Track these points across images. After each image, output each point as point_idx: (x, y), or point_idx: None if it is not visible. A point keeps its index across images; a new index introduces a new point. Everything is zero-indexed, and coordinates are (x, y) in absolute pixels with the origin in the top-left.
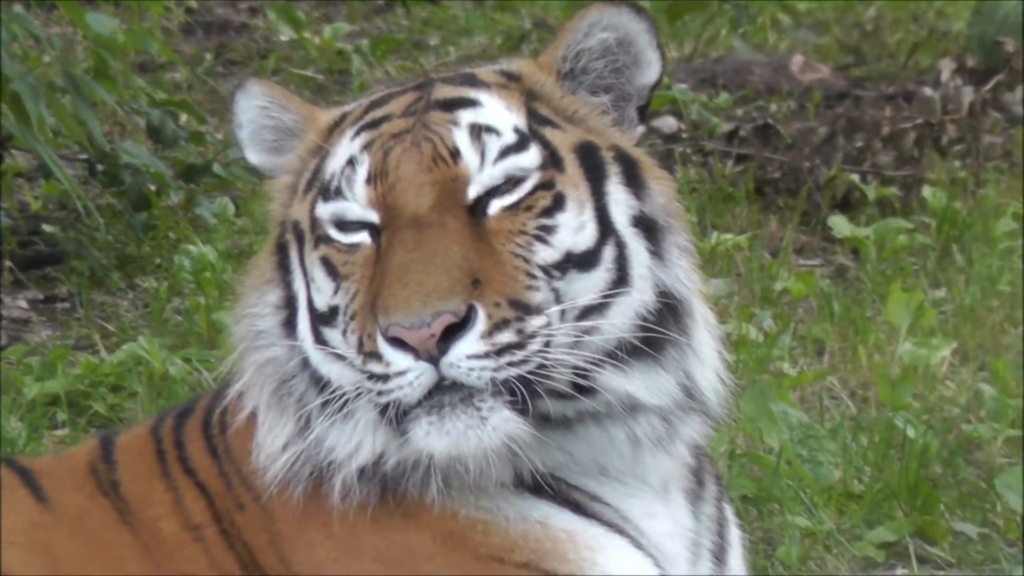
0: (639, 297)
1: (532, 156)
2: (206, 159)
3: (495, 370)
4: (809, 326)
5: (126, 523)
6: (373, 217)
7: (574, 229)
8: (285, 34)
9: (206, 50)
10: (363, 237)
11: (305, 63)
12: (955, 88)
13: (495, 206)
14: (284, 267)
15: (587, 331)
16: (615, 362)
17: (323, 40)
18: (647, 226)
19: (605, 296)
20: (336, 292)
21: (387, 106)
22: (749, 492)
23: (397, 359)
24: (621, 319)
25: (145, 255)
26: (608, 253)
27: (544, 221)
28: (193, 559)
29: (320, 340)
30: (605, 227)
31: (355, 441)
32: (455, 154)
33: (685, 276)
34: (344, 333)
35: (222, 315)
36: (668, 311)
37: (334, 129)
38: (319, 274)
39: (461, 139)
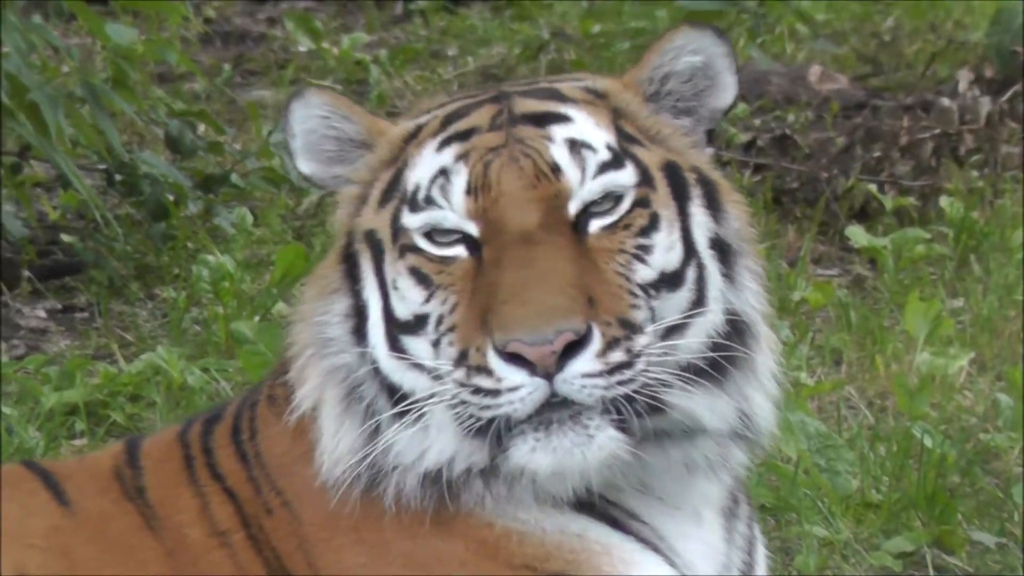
0: (712, 319)
1: (628, 174)
2: (224, 169)
3: (605, 388)
4: (827, 336)
5: (151, 528)
6: (471, 228)
7: (666, 248)
8: (303, 44)
9: (224, 60)
10: (459, 250)
11: (323, 73)
12: (973, 98)
13: (595, 225)
14: (353, 276)
15: (669, 350)
16: (683, 383)
17: (341, 50)
18: (722, 248)
19: (686, 316)
20: (428, 301)
21: (468, 118)
22: (767, 501)
23: (510, 375)
24: (697, 340)
25: (163, 265)
26: (691, 274)
27: (642, 240)
28: (219, 565)
29: (397, 349)
30: (688, 248)
31: (425, 447)
32: (555, 170)
33: (754, 299)
34: (436, 344)
35: (240, 325)
36: (735, 333)
37: (410, 140)
38: (406, 283)
39: (560, 155)
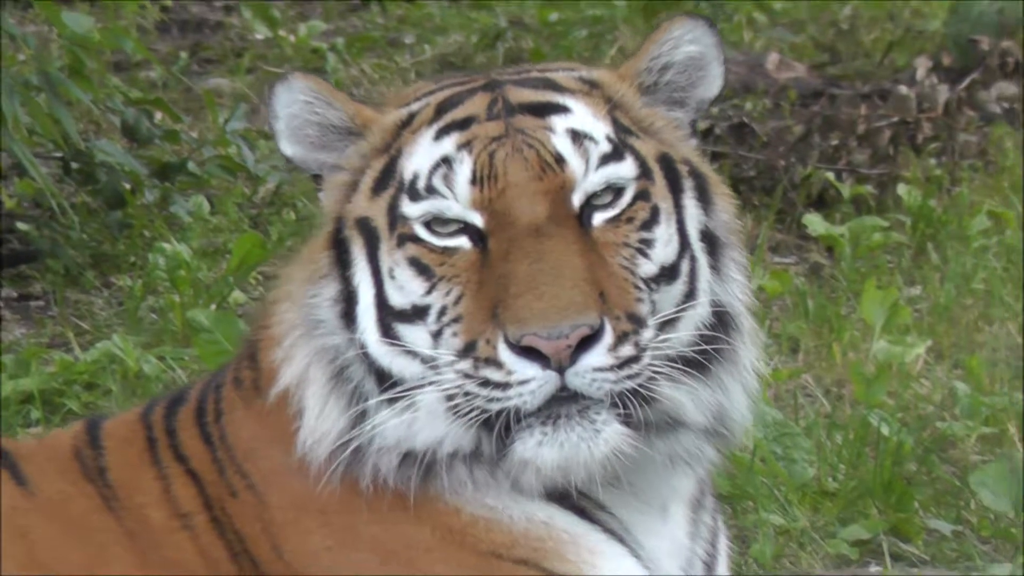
0: (701, 311)
1: (629, 166)
2: (181, 157)
3: (614, 382)
4: (784, 324)
5: (111, 510)
6: (475, 219)
7: (665, 242)
8: (260, 32)
9: (181, 48)
10: (461, 241)
11: (280, 61)
12: (930, 86)
13: (599, 218)
14: (343, 262)
15: (668, 343)
16: (673, 375)
17: (298, 38)
18: (710, 240)
19: (680, 309)
20: (429, 292)
21: (463, 107)
22: (723, 490)
23: (522, 368)
24: (687, 332)
25: (120, 253)
26: (685, 266)
27: (644, 234)
28: (180, 547)
29: (389, 335)
30: (683, 241)
31: (413, 431)
32: (560, 161)
33: (739, 291)
34: (437, 334)
35: (197, 313)
36: (720, 325)
37: (403, 128)
38: (405, 273)
39: (563, 145)
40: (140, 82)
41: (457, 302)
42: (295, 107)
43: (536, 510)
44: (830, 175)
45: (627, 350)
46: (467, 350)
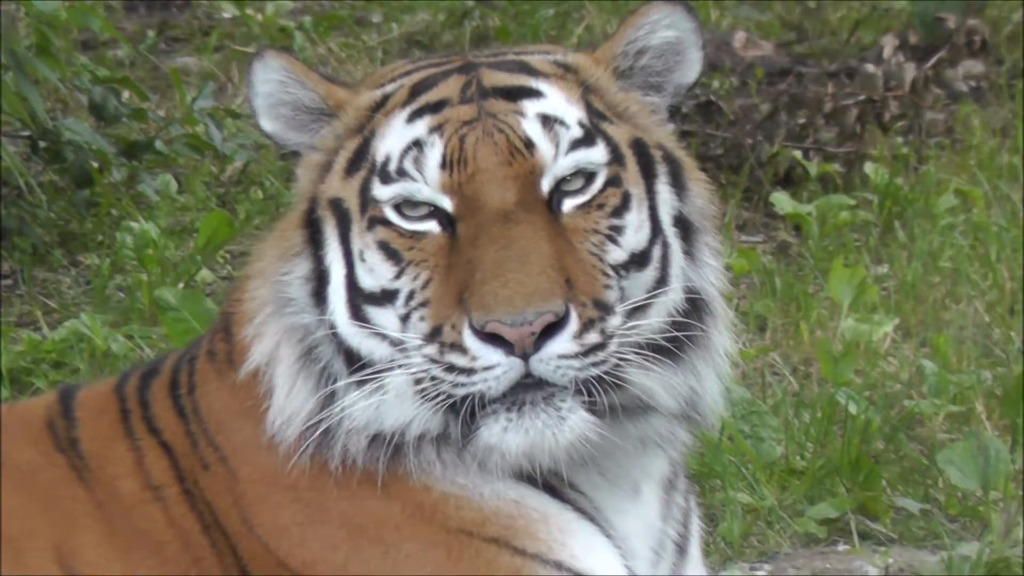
0: (673, 296)
1: (600, 151)
2: (148, 136)
3: (579, 369)
4: (751, 302)
5: (82, 480)
6: (445, 203)
7: (636, 228)
8: (228, 11)
9: (148, 27)
10: (430, 225)
11: (248, 40)
12: (897, 64)
13: (568, 204)
14: (315, 242)
15: (636, 330)
16: (643, 360)
17: (265, 17)
18: (684, 226)
19: (651, 296)
20: (398, 277)
21: (437, 89)
22: (691, 468)
23: (486, 354)
24: (658, 318)
25: (87, 232)
26: (656, 252)
27: (615, 221)
28: (151, 518)
29: (359, 317)
30: (655, 227)
31: (381, 412)
32: (529, 145)
33: (713, 276)
34: (405, 317)
35: (164, 292)
36: (693, 310)
37: (377, 109)
38: (374, 256)
39: (533, 130)
40: (107, 61)
41: (425, 286)
42: (269, 85)
43: (507, 489)
44: (797, 153)
45: (592, 337)
46: (433, 334)
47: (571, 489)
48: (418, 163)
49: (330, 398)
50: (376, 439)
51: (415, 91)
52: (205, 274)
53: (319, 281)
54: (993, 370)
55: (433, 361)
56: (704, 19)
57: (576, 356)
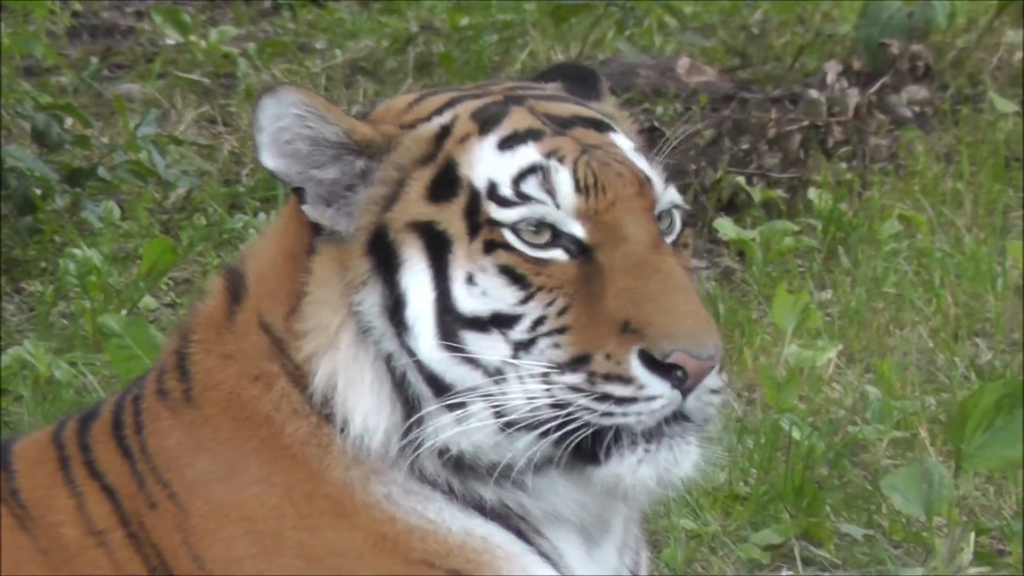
0: None
1: (675, 189)
2: (91, 163)
3: (718, 406)
4: None
5: (24, 528)
6: (576, 230)
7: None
8: (172, 37)
9: (92, 53)
10: (556, 253)
11: (191, 66)
12: (841, 90)
13: (667, 240)
14: (388, 266)
15: None
16: None
17: (209, 43)
18: None
19: None
20: (525, 302)
21: (510, 119)
22: None
23: (654, 385)
24: None
25: (30, 259)
26: None
27: (692, 262)
28: (95, 564)
29: (452, 341)
30: None
31: (464, 436)
32: (648, 178)
33: None
34: (527, 344)
35: (107, 319)
36: None
37: (444, 139)
38: (493, 281)
39: (641, 162)
40: (51, 87)
41: (561, 313)
42: (285, 120)
43: (475, 526)
44: (741, 179)
45: (724, 375)
46: (576, 363)
47: (538, 535)
48: (546, 187)
49: (418, 421)
50: (452, 462)
51: (485, 121)
52: (148, 301)
53: (395, 306)
54: (937, 396)
55: (577, 390)
56: (648, 45)
57: (717, 392)
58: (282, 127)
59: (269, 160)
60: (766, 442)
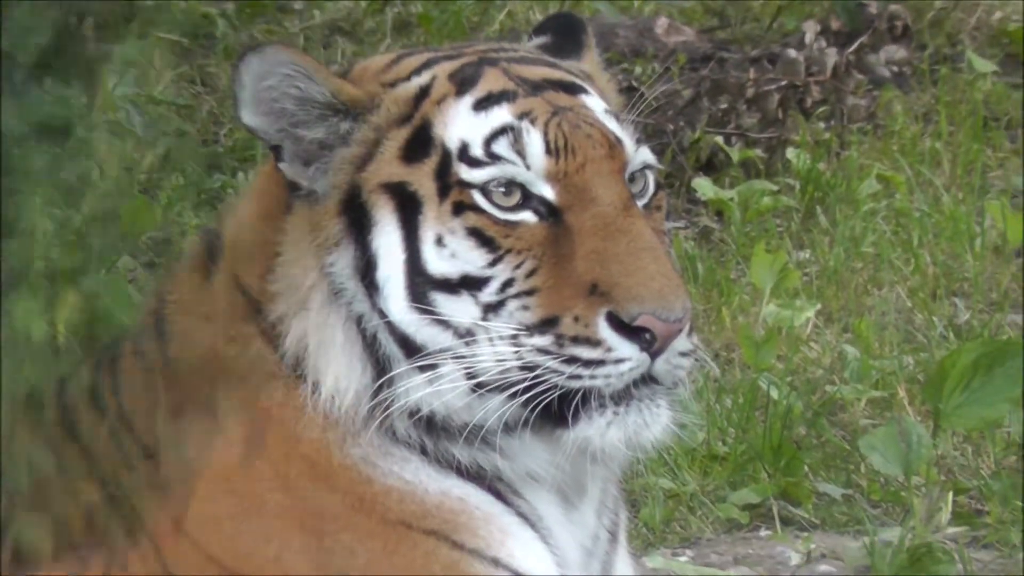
0: None
1: (648, 150)
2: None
3: (687, 369)
4: None
5: None
6: (546, 191)
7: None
8: None
9: (70, 13)
10: (525, 215)
11: (170, 27)
12: (819, 50)
13: (639, 203)
14: (359, 226)
15: None
16: None
17: (188, 3)
18: None
19: None
20: (494, 264)
21: (485, 80)
22: None
23: (623, 348)
24: None
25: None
26: None
27: (666, 224)
28: None
29: (422, 303)
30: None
31: (435, 397)
32: (619, 140)
33: None
34: (495, 306)
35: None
36: None
37: (419, 100)
38: (463, 243)
39: (612, 124)
40: None
41: (530, 275)
42: (272, 79)
43: (453, 487)
44: (719, 139)
45: (694, 338)
46: (544, 325)
47: (517, 496)
48: (516, 148)
49: (388, 382)
50: (420, 420)
51: (462, 82)
52: (127, 261)
53: (367, 267)
54: (915, 355)
55: (545, 352)
56: (627, 5)
57: (687, 355)
58: (269, 85)
59: (249, 117)
60: (744, 402)
